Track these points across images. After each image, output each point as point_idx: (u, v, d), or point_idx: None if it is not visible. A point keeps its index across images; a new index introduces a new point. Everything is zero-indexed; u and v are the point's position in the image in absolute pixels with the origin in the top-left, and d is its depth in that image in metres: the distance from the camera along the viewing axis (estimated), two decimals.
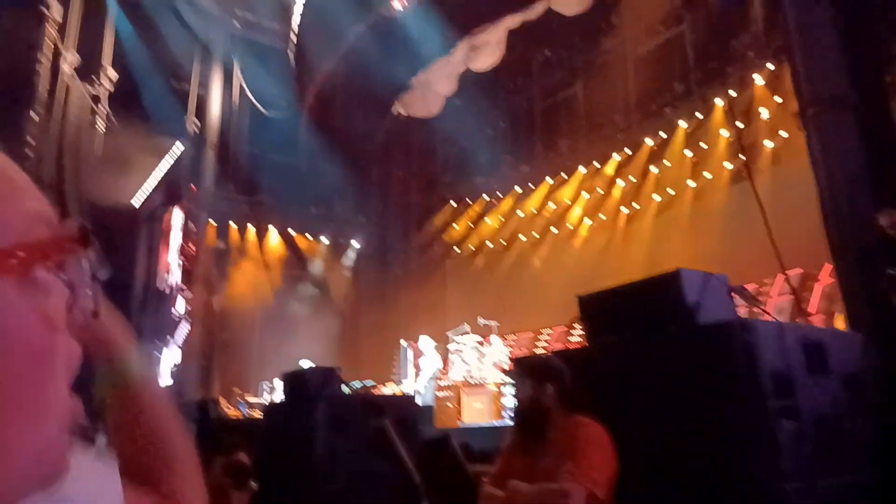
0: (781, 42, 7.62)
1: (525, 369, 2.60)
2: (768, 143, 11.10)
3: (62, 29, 12.52)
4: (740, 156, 10.34)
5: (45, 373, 0.40)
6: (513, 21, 13.18)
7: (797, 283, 8.45)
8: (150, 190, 19.07)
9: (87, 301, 0.44)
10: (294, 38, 15.84)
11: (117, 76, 14.39)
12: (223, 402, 10.59)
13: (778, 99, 10.78)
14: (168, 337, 14.71)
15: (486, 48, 14.08)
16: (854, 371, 2.58)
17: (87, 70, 13.66)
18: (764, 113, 11.20)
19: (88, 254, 0.43)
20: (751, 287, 8.49)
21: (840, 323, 6.53)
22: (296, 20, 15.30)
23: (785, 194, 8.26)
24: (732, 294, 3.00)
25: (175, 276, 15.42)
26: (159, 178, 18.93)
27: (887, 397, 3.86)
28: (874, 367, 2.68)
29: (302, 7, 14.94)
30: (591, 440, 2.27)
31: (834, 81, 5.77)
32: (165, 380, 14.93)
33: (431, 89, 15.22)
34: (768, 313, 2.93)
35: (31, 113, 11.79)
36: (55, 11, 12.08)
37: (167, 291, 15.24)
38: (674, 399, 2.44)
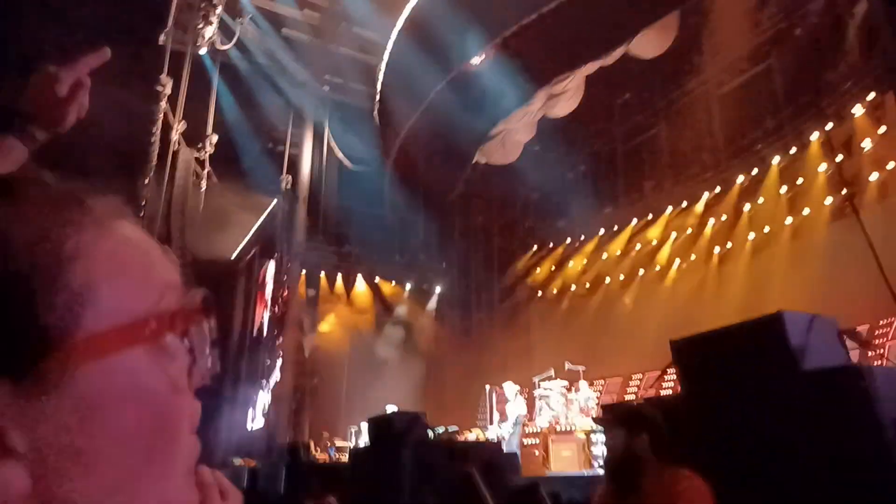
0: (883, 69, 7.21)
1: (617, 417, 2.52)
2: (873, 176, 10.40)
3: (172, 100, 13.81)
4: (843, 190, 9.73)
5: (172, 430, 0.44)
6: (590, 67, 13.25)
7: None
8: (247, 243, 20.30)
9: (205, 363, 0.48)
10: (378, 97, 16.62)
11: (218, 140, 15.58)
12: (312, 446, 10.82)
13: (882, 129, 10.14)
14: (263, 381, 15.32)
15: (564, 95, 14.19)
16: None
17: (193, 136, 14.92)
18: (866, 144, 10.55)
19: (209, 321, 0.48)
20: (863, 329, 7.85)
21: None
22: (380, 79, 16.08)
23: (893, 229, 7.68)
24: (843, 337, 2.81)
25: (269, 324, 16.15)
26: (255, 233, 20.16)
27: None
28: None
29: (385, 66, 15.71)
30: (690, 494, 2.16)
31: None
32: (259, 422, 15.48)
33: (511, 137, 15.44)
34: (885, 356, 2.71)
35: (146, 179, 13.01)
36: (167, 86, 13.38)
37: (262, 338, 15.96)
38: (780, 451, 2.28)
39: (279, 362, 15.06)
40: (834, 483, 2.10)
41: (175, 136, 13.96)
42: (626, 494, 2.31)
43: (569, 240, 16.90)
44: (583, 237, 16.54)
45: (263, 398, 15.26)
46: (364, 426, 11.79)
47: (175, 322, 0.45)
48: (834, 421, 2.17)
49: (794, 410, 2.29)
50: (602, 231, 16.07)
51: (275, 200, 18.22)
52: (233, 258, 21.22)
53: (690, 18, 13.15)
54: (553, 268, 17.34)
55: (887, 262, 5.63)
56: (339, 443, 12.21)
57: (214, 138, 15.36)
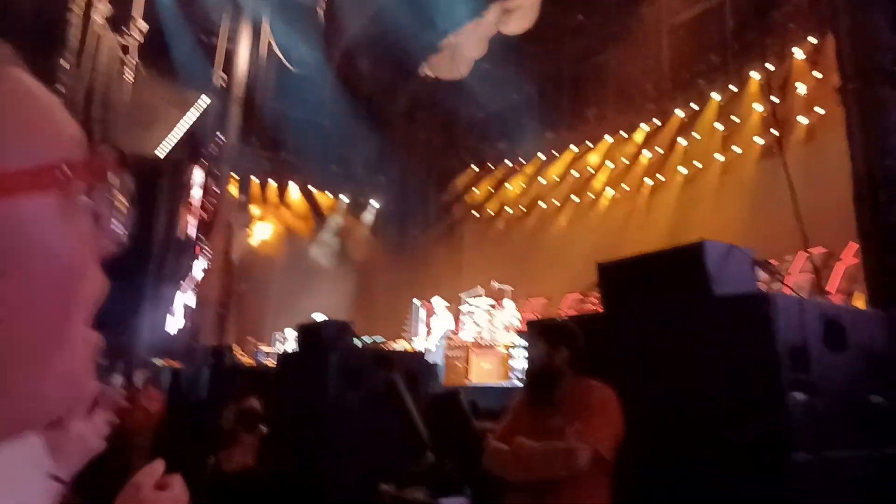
0: (826, 14, 7.31)
1: (540, 331, 2.61)
2: (803, 120, 10.78)
3: None
4: (773, 131, 10.05)
5: (75, 294, 0.40)
6: None
7: (819, 261, 8.31)
8: (175, 142, 19.22)
9: (113, 228, 0.43)
10: None
11: (147, 28, 14.34)
12: (238, 350, 10.81)
13: (817, 74, 10.42)
14: (186, 283, 14.99)
15: (519, 12, 13.76)
16: (874, 349, 2.53)
17: (118, 21, 13.64)
18: (801, 88, 10.85)
19: (123, 182, 0.43)
20: (778, 263, 8.37)
21: (859, 303, 6.42)
22: None
23: (815, 172, 8.06)
24: (756, 268, 2.94)
25: (194, 227, 15.62)
26: (184, 131, 19.06)
27: None
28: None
29: None
30: (601, 402, 2.27)
31: (880, 57, 5.54)
32: (181, 324, 15.29)
33: (460, 52, 14.97)
34: (790, 288, 2.87)
35: (62, 61, 11.86)
36: None
37: (186, 241, 15.47)
38: (688, 368, 2.42)
39: (205, 264, 14.70)
40: (728, 394, 2.24)
41: (98, 18, 12.71)
42: (542, 402, 2.41)
43: (508, 162, 16.91)
44: (522, 160, 16.58)
45: (187, 300, 14.97)
46: (291, 333, 11.86)
47: (86, 174, 0.41)
48: (738, 341, 2.29)
49: (706, 331, 2.41)
50: (542, 155, 16.14)
51: (207, 98, 17.17)
52: (159, 156, 20.15)
53: None
54: (491, 189, 17.41)
55: (803, 203, 5.94)
56: (264, 348, 12.25)
57: (143, 26, 14.11)
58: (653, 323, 2.64)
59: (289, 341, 11.89)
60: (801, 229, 5.78)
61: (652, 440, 2.33)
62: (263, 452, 5.15)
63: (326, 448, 4.42)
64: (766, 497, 2.04)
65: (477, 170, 17.55)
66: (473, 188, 17.58)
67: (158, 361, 10.16)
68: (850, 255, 8.58)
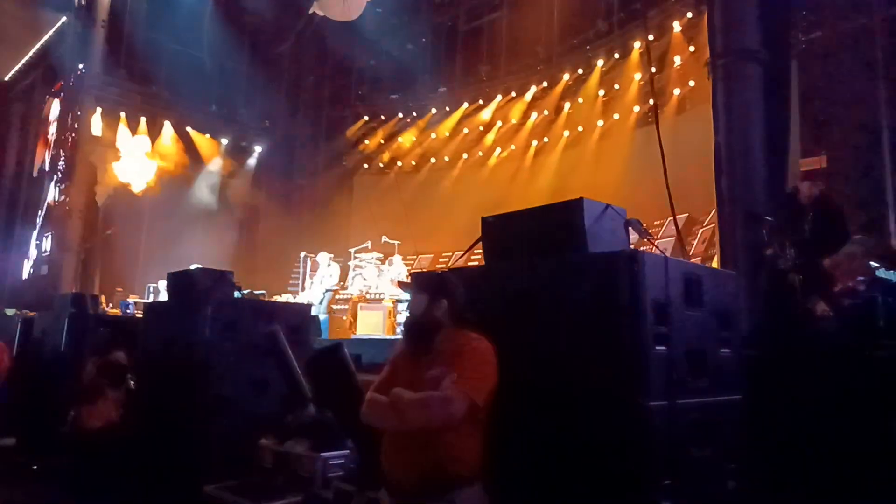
0: None
1: (421, 283, 2.61)
2: (676, 91, 11.49)
3: None
4: (650, 101, 10.62)
5: None
6: None
7: (682, 225, 9.03)
8: (26, 65, 17.03)
9: None
10: None
11: None
12: (103, 300, 10.01)
13: (692, 48, 11.09)
14: (42, 227, 13.59)
15: None
16: (726, 306, 2.78)
17: None
18: (677, 60, 11.52)
19: None
20: (648, 226, 8.98)
21: (715, 265, 7.08)
22: None
23: (685, 141, 8.65)
24: (629, 228, 3.09)
25: (51, 164, 14.10)
26: (37, 54, 16.89)
27: (755, 332, 4.25)
28: (747, 305, 2.89)
29: None
30: (477, 353, 2.33)
31: (747, 36, 5.97)
32: (37, 268, 13.91)
33: None
34: (657, 247, 3.07)
35: None
36: None
37: (42, 179, 13.95)
38: (560, 321, 2.52)
39: (63, 207, 13.34)
40: (594, 346, 2.37)
41: None
42: (420, 353, 2.43)
43: (401, 114, 16.67)
44: (415, 114, 16.41)
45: (44, 246, 13.60)
46: (163, 284, 11.14)
47: None
48: (608, 296, 2.41)
49: (579, 286, 2.51)
50: (434, 110, 16.05)
51: (63, 18, 15.27)
52: (6, 79, 17.79)
53: None
54: (382, 141, 17.13)
55: (672, 170, 6.36)
56: (133, 298, 11.45)
57: None
58: (530, 276, 2.72)
59: (161, 293, 11.17)
60: (668, 196, 6.19)
61: (523, 390, 2.43)
62: (128, 408, 4.86)
63: (198, 402, 4.23)
64: (624, 440, 2.21)
65: (367, 120, 17.14)
66: (364, 139, 17.20)
67: (9, 311, 9.20)
68: (710, 219, 9.40)
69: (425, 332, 2.45)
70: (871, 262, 6.60)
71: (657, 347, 2.33)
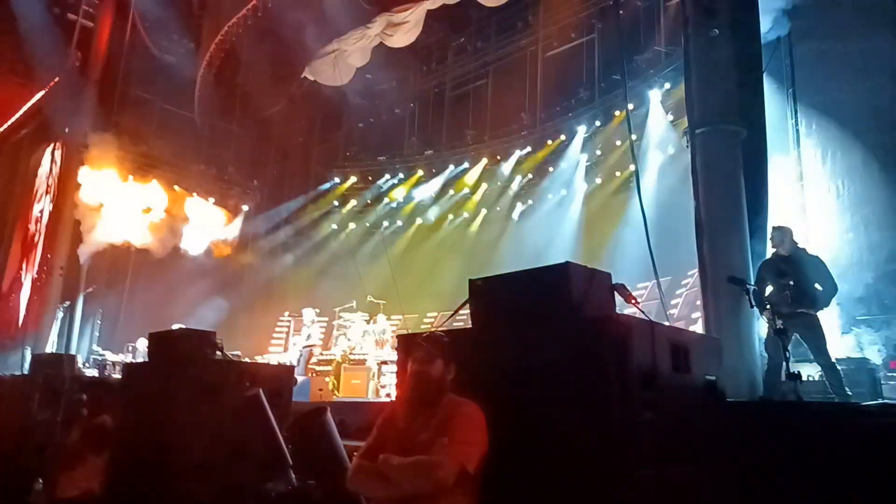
0: (681, 64, 8.11)
1: (438, 346, 2.57)
2: (656, 156, 11.84)
3: None
4: (631, 166, 10.92)
5: None
6: (434, 3, 13.07)
7: (665, 288, 9.10)
8: (16, 122, 17.16)
9: None
10: None
11: None
12: (79, 360, 9.76)
13: (669, 117, 11.51)
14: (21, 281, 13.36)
15: (404, 26, 13.87)
16: (710, 372, 2.79)
17: None
18: (656, 128, 11.92)
19: None
20: (635, 289, 9.05)
21: (698, 328, 7.13)
22: None
23: (665, 204, 8.85)
24: (614, 292, 3.12)
25: (35, 222, 14.01)
26: (28, 111, 17.06)
27: (737, 398, 4.24)
28: (729, 370, 2.91)
29: None
30: (468, 418, 2.31)
31: (723, 106, 6.23)
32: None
33: (344, 59, 14.79)
34: (643, 312, 3.10)
35: None
36: None
37: (28, 235, 13.83)
38: (549, 386, 2.51)
39: (44, 263, 13.17)
40: (583, 412, 2.36)
41: None
42: (412, 417, 2.40)
43: (388, 176, 16.93)
44: (402, 175, 16.68)
45: (23, 301, 13.34)
46: (142, 343, 10.92)
47: None
48: (595, 361, 2.41)
49: (566, 351, 2.51)
50: (420, 172, 16.34)
51: (57, 78, 15.51)
52: None
53: None
54: (369, 201, 17.31)
55: (657, 231, 6.49)
56: (111, 357, 11.18)
57: None
58: (517, 340, 2.72)
59: (140, 352, 10.94)
60: (651, 260, 6.30)
61: (512, 455, 2.39)
62: (111, 476, 4.65)
63: (174, 468, 4.08)
64: None
65: (356, 180, 17.37)
66: (352, 199, 17.39)
67: None
68: (690, 283, 9.51)
69: (431, 396, 2.42)
70: (854, 328, 6.69)
71: (645, 413, 2.33)
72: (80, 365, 9.40)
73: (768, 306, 5.39)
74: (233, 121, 17.12)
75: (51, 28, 15.27)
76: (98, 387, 6.10)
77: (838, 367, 5.41)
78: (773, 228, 5.84)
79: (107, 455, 4.72)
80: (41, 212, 14.53)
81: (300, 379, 9.70)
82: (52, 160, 14.70)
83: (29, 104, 16.09)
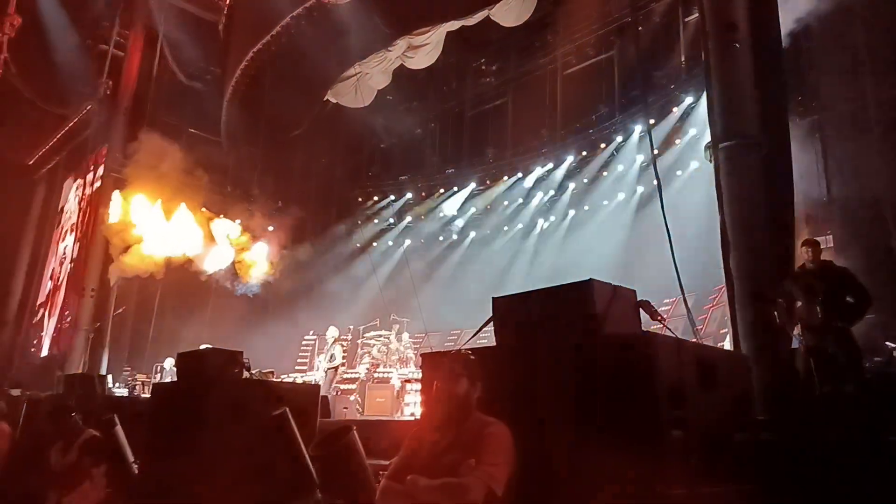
0: (702, 78, 8.09)
1: (463, 365, 2.55)
2: (679, 172, 11.76)
3: None
4: (654, 182, 10.84)
5: None
6: (453, 25, 13.23)
7: (692, 305, 8.97)
8: (50, 149, 17.70)
9: None
10: (227, 10, 15.19)
11: (26, 25, 13.27)
12: (110, 380, 9.92)
13: (693, 131, 11.44)
14: (56, 308, 13.67)
15: (424, 48, 14.04)
16: (740, 389, 2.76)
17: None
18: (678, 143, 11.86)
19: None
20: (659, 305, 8.96)
21: (727, 344, 7.01)
22: None
23: (689, 220, 8.77)
24: (639, 309, 3.11)
25: (68, 244, 14.37)
26: (61, 139, 17.60)
27: (768, 415, 4.16)
28: (759, 387, 2.87)
29: None
30: (495, 438, 2.30)
31: (746, 120, 6.18)
32: (45, 347, 13.87)
33: (365, 82, 15.00)
34: (669, 329, 3.07)
35: None
36: None
37: (62, 260, 14.17)
38: (576, 405, 2.50)
39: (78, 287, 13.48)
40: (612, 431, 2.34)
41: None
42: (439, 437, 2.39)
43: (410, 194, 17.05)
44: (423, 193, 16.79)
45: (55, 324, 13.65)
46: (169, 362, 11.08)
47: None
48: (622, 379, 2.40)
49: (592, 369, 2.50)
50: (442, 190, 16.43)
51: (89, 106, 16.02)
52: (30, 163, 18.43)
53: None
54: (392, 220, 17.44)
55: (678, 249, 6.43)
56: (140, 378, 11.35)
57: (17, 20, 13.02)
58: (541, 358, 2.71)
59: (168, 372, 11.09)
60: (677, 276, 6.24)
61: (537, 476, 2.38)
62: (116, 483, 4.67)
63: (202, 488, 4.12)
64: None
65: (378, 199, 17.54)
66: (375, 218, 17.53)
67: (15, 391, 9.12)
68: (718, 299, 9.36)
69: (457, 416, 2.40)
70: (888, 343, 6.52)
71: (674, 431, 2.30)
72: (110, 385, 9.56)
73: (798, 323, 5.28)
74: (258, 144, 17.41)
75: (83, 58, 15.80)
76: (121, 406, 6.19)
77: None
78: (802, 242, 5.75)
79: (107, 464, 4.74)
80: (65, 250, 14.88)
81: (327, 397, 9.74)
82: (79, 194, 15.09)
83: (62, 132, 16.60)
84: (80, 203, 15.36)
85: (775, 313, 4.96)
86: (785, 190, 6.20)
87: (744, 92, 6.26)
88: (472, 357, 2.59)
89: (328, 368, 11.09)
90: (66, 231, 15.64)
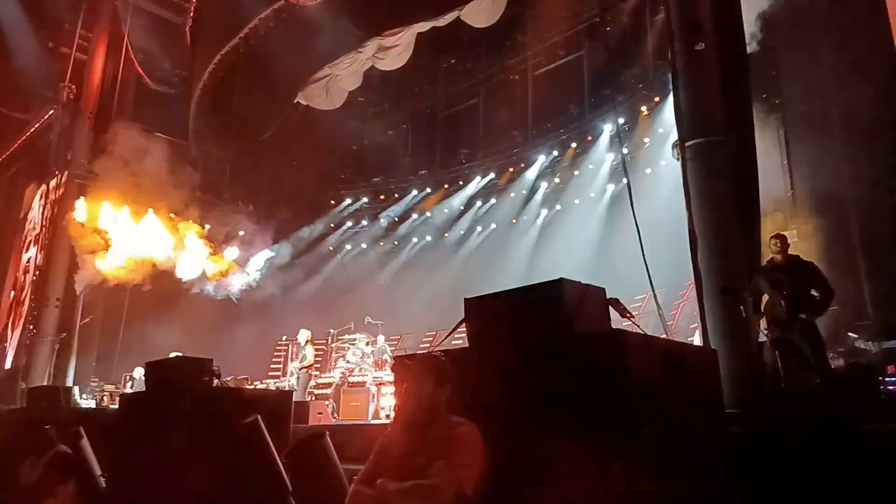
0: (669, 78, 8.21)
1: (428, 367, 2.54)
2: (647, 170, 11.92)
3: None
4: (624, 180, 10.96)
5: None
6: (423, 26, 13.21)
7: (662, 300, 9.08)
8: (9, 157, 17.22)
9: None
10: (193, 12, 14.96)
11: None
12: (76, 391, 9.68)
13: (661, 129, 11.60)
14: (20, 319, 13.30)
15: (395, 49, 13.98)
16: (709, 384, 2.79)
17: None
18: (647, 141, 12.02)
19: None
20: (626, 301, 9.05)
21: (697, 339, 7.12)
22: None
23: (658, 217, 8.88)
24: (609, 307, 3.13)
25: (32, 254, 13.99)
26: (21, 145, 17.14)
27: (737, 409, 4.23)
28: (728, 381, 2.91)
29: None
30: (463, 440, 2.29)
31: (712, 118, 6.29)
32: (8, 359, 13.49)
33: (336, 84, 14.89)
34: (638, 326, 3.10)
35: None
36: None
37: (21, 268, 13.80)
38: (545, 403, 2.50)
39: (42, 298, 13.12)
40: (582, 428, 2.34)
41: None
42: (409, 440, 2.38)
43: (382, 196, 16.98)
44: (396, 195, 16.74)
45: (17, 336, 13.27)
46: (140, 373, 10.84)
47: None
48: (592, 377, 2.41)
49: (563, 367, 2.51)
50: (415, 192, 16.40)
51: (52, 110, 15.62)
52: None
53: None
54: (364, 222, 17.36)
55: (647, 246, 6.52)
56: (108, 388, 11.09)
57: None
58: (513, 357, 2.72)
59: (138, 382, 10.85)
60: (647, 273, 6.32)
61: (508, 473, 2.37)
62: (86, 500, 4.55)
63: (173, 498, 4.04)
64: None
65: (350, 202, 17.43)
66: (347, 221, 17.42)
67: None
68: (687, 294, 9.51)
69: (425, 419, 2.40)
70: (850, 334, 6.69)
71: (644, 428, 2.32)
72: (76, 397, 9.32)
73: (764, 315, 5.39)
74: (227, 147, 17.16)
75: (45, 62, 15.42)
76: (88, 419, 6.01)
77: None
78: (770, 237, 5.87)
79: (74, 481, 4.59)
80: (29, 260, 14.48)
81: (300, 402, 9.62)
82: (42, 202, 14.71)
83: (23, 137, 16.17)
84: (42, 210, 14.97)
85: (741, 308, 5.05)
86: (751, 186, 6.32)
87: (709, 91, 6.37)
88: (442, 358, 2.58)
89: (300, 369, 10.96)
90: (30, 241, 15.23)
